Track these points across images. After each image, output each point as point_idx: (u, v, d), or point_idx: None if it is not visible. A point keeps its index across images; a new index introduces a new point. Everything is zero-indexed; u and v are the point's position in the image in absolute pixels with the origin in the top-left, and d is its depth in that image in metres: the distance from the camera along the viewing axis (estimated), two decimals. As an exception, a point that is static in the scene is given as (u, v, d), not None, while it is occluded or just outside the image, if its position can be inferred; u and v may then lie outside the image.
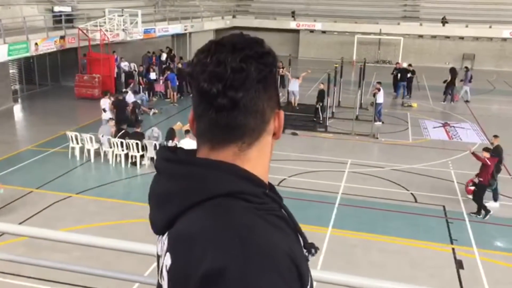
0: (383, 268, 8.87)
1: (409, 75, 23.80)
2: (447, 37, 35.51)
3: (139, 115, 17.92)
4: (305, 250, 1.09)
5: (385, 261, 9.21)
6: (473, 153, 11.64)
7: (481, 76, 31.72)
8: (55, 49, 21.19)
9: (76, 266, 2.57)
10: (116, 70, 23.51)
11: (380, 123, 18.91)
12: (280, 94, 21.49)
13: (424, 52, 35.64)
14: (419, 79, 26.00)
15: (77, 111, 20.64)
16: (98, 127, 14.97)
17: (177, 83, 22.01)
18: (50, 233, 2.44)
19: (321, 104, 18.54)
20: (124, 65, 24.64)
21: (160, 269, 1.09)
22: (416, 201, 12.08)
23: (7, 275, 7.69)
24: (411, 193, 12.50)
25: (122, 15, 23.78)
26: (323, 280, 1.91)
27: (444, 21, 34.90)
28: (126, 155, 13.87)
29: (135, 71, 24.26)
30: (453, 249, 9.86)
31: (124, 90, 20.47)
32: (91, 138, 14.06)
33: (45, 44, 20.16)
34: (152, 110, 19.89)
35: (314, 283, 1.17)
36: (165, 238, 1.07)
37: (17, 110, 21.05)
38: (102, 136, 14.08)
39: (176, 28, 29.79)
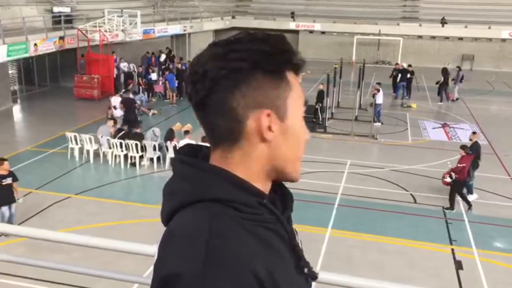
0: (382, 269, 8.87)
1: (408, 75, 23.83)
2: (446, 37, 35.54)
3: (138, 116, 17.92)
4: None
5: (384, 262, 9.21)
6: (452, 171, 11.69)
7: (480, 76, 31.78)
8: (54, 50, 21.18)
9: (75, 266, 2.57)
10: (115, 70, 23.50)
11: (380, 123, 18.93)
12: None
13: (423, 52, 35.67)
14: (418, 80, 26.02)
15: (76, 112, 20.63)
16: (98, 127, 14.97)
17: (177, 84, 22.02)
18: (50, 234, 2.45)
19: (320, 105, 18.53)
20: (124, 65, 24.64)
21: None
22: (415, 202, 12.09)
23: (7, 275, 7.68)
24: (411, 194, 12.51)
25: (122, 16, 23.78)
26: (322, 281, 1.91)
27: (443, 22, 34.94)
28: (126, 156, 13.88)
29: (135, 71, 24.26)
30: (452, 249, 9.87)
31: (123, 90, 20.47)
32: (90, 139, 14.06)
33: (45, 44, 20.16)
34: (152, 110, 19.89)
35: (313, 284, 1.14)
36: None
37: (16, 111, 21.05)
38: (102, 136, 14.08)
39: (175, 28, 29.79)
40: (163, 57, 27.25)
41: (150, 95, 22.47)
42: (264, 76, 1.01)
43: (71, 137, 14.21)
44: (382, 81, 21.50)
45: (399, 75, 23.63)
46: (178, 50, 31.86)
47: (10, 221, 9.55)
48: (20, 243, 9.28)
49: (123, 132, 14.15)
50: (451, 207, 11.51)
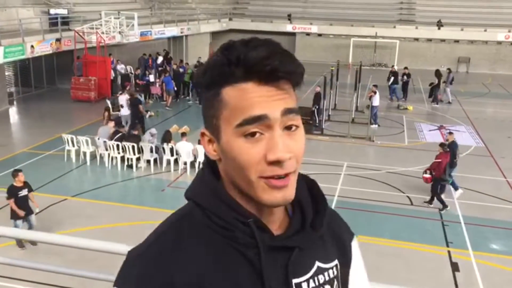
0: (379, 271, 8.87)
1: (405, 78, 23.93)
2: (443, 40, 35.64)
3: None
4: None
5: (381, 264, 9.21)
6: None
7: (476, 79, 31.89)
8: (51, 52, 21.14)
9: (71, 269, 2.56)
10: (112, 72, 23.48)
11: (376, 126, 18.96)
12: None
13: (419, 55, 35.76)
14: (414, 83, 26.09)
15: (73, 114, 20.58)
16: (94, 129, 14.96)
17: (174, 86, 22.01)
18: (46, 236, 2.45)
19: (317, 107, 18.56)
20: (121, 67, 24.61)
21: None
22: (412, 204, 12.11)
23: (2, 278, 7.66)
24: (407, 196, 12.54)
25: (119, 18, 23.75)
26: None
27: (439, 25, 35.04)
28: (122, 158, 13.86)
29: (132, 73, 24.22)
30: (448, 251, 9.89)
31: (120, 92, 20.44)
32: (87, 141, 14.04)
33: (41, 46, 20.13)
34: (148, 112, 19.88)
35: None
36: None
37: (13, 113, 20.99)
38: (98, 138, 14.06)
39: (172, 30, 29.79)
40: (160, 59, 27.23)
41: (147, 97, 22.44)
42: (206, 93, 0.98)
43: (67, 139, 14.19)
44: (379, 84, 21.54)
45: (392, 78, 23.73)
46: (175, 52, 31.85)
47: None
48: (16, 246, 9.26)
49: (120, 134, 14.13)
50: (443, 205, 11.68)
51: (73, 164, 14.11)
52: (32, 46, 19.41)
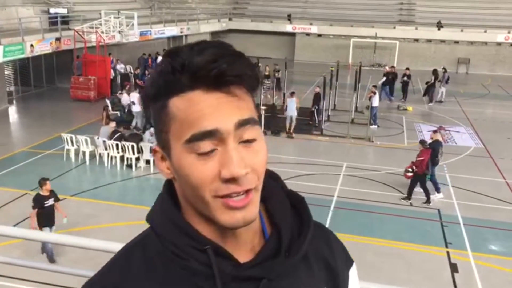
0: (379, 271, 8.88)
1: (405, 78, 23.95)
2: (442, 41, 35.67)
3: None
4: None
5: (380, 264, 9.22)
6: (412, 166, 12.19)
7: (476, 80, 31.90)
8: (50, 51, 21.15)
9: (71, 268, 2.56)
10: (112, 72, 23.47)
11: (376, 126, 18.96)
12: (276, 97, 21.19)
13: (419, 56, 35.78)
14: (414, 83, 26.10)
15: (73, 113, 20.57)
16: (94, 129, 14.95)
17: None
18: (45, 235, 2.44)
19: (316, 107, 18.57)
20: (120, 67, 24.61)
21: None
22: (411, 205, 12.11)
23: (3, 277, 7.65)
24: (406, 196, 12.52)
25: (118, 17, 23.76)
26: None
27: (439, 26, 35.06)
28: (122, 157, 13.85)
29: (131, 73, 24.21)
30: (447, 252, 9.89)
31: (119, 92, 20.45)
32: (86, 140, 14.03)
33: (41, 45, 20.13)
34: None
35: None
36: None
37: (12, 112, 20.97)
38: (98, 138, 14.05)
39: (172, 30, 29.80)
40: (159, 59, 27.14)
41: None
42: (153, 105, 0.87)
43: (67, 139, 14.18)
44: (378, 84, 21.56)
45: (384, 78, 23.76)
46: (174, 52, 31.80)
47: (48, 244, 8.92)
48: (16, 245, 9.24)
49: (118, 133, 14.13)
50: (409, 197, 12.12)
51: (72, 163, 14.10)
52: (31, 45, 19.40)
